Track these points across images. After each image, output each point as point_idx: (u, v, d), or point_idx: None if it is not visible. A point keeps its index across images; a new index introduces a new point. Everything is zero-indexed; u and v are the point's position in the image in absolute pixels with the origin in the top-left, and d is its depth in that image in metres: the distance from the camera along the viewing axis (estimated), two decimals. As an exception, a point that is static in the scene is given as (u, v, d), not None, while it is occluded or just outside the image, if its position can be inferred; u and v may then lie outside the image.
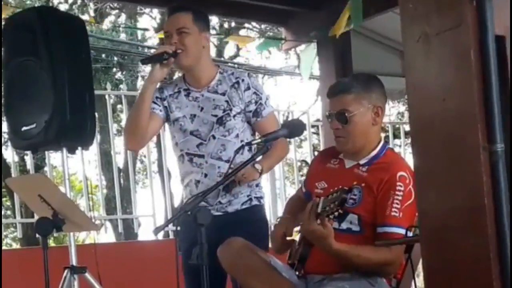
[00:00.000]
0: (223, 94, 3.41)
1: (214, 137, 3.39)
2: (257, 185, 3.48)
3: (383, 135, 8.05)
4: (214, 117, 3.40)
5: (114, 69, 13.33)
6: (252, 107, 3.42)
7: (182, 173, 3.50)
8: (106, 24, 12.40)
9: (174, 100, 3.47)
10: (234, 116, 3.40)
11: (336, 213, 2.72)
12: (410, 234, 2.88)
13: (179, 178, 3.55)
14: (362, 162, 3.05)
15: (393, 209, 2.90)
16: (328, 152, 3.19)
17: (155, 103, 3.44)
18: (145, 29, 8.82)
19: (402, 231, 2.88)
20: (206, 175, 3.38)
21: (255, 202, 3.46)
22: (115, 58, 12.90)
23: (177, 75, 3.58)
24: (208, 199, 3.36)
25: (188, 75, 3.48)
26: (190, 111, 3.43)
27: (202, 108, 3.42)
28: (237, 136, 3.38)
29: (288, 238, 3.11)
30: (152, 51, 13.16)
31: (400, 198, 2.91)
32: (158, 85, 3.47)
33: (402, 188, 2.92)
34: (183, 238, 3.20)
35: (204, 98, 3.42)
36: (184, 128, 3.43)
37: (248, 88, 3.41)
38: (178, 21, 3.38)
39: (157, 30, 12.78)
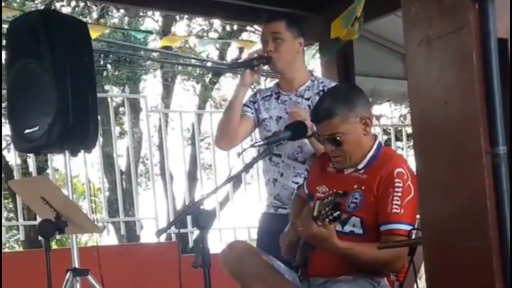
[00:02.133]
0: (308, 99, 3.56)
1: None
2: None
3: (385, 137, 8.07)
4: None
5: (111, 72, 13.34)
6: None
7: (264, 171, 3.68)
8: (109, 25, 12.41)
9: (265, 103, 3.64)
10: None
11: (331, 217, 2.72)
12: (414, 232, 2.89)
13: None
14: (360, 166, 3.06)
15: (394, 206, 2.90)
16: (326, 155, 3.19)
17: (248, 106, 3.65)
18: (149, 32, 8.80)
19: (404, 227, 2.88)
20: (282, 174, 3.54)
21: None
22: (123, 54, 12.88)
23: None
24: (283, 198, 3.57)
25: (282, 78, 3.66)
26: (277, 113, 3.60)
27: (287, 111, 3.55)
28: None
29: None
30: (154, 54, 13.26)
31: (399, 194, 2.91)
32: (256, 89, 3.68)
33: (400, 184, 2.92)
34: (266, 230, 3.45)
35: (292, 102, 3.59)
36: (269, 128, 3.58)
37: None
38: (272, 28, 3.58)
39: (159, 33, 12.82)
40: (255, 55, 3.57)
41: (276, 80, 3.78)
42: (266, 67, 3.77)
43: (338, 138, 3.00)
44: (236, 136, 3.64)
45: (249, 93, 3.78)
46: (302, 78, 3.61)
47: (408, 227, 2.89)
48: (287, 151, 3.50)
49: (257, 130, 3.73)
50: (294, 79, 3.61)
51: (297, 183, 3.52)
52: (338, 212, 2.71)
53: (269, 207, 3.65)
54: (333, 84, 3.62)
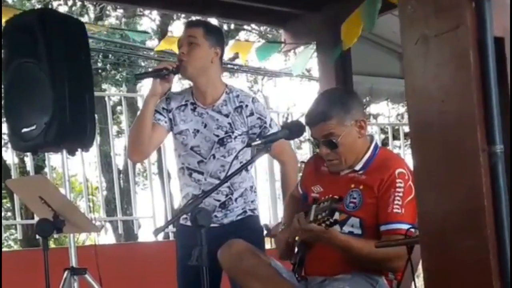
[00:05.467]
0: (227, 116, 3.47)
1: (214, 157, 3.45)
2: (252, 201, 3.56)
3: (382, 136, 8.08)
4: (216, 137, 3.46)
5: (114, 71, 13.35)
6: (256, 130, 3.48)
7: (181, 184, 3.57)
8: (105, 25, 12.40)
9: (180, 113, 3.52)
10: (235, 137, 3.46)
11: (327, 222, 2.73)
12: (413, 230, 2.89)
13: (179, 187, 3.60)
14: (357, 168, 3.06)
15: (395, 206, 2.91)
16: (319, 155, 3.19)
17: (160, 113, 3.51)
18: (145, 32, 8.80)
19: (405, 226, 2.87)
20: (204, 191, 3.35)
21: (249, 213, 3.54)
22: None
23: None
24: None
25: (195, 89, 3.54)
26: (194, 126, 3.49)
27: (205, 125, 3.48)
28: (236, 157, 3.37)
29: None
30: (151, 53, 13.26)
31: (401, 194, 2.91)
32: (165, 95, 3.53)
33: (402, 185, 2.93)
34: (182, 244, 3.21)
35: (209, 116, 3.48)
36: (186, 142, 3.49)
37: (252, 114, 3.48)
38: (189, 32, 3.47)
39: (156, 33, 12.82)
40: (163, 66, 3.44)
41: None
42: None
43: (333, 140, 3.00)
44: (149, 148, 3.53)
45: None
46: (216, 92, 3.50)
47: (408, 227, 2.89)
48: (209, 170, 3.44)
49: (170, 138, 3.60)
50: (207, 92, 3.49)
51: (218, 200, 3.46)
52: (334, 218, 2.72)
53: (186, 219, 3.27)
54: (249, 99, 3.51)
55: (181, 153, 3.52)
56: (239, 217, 3.50)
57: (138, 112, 3.58)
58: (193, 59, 3.43)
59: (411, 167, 2.75)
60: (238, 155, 3.36)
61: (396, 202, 2.91)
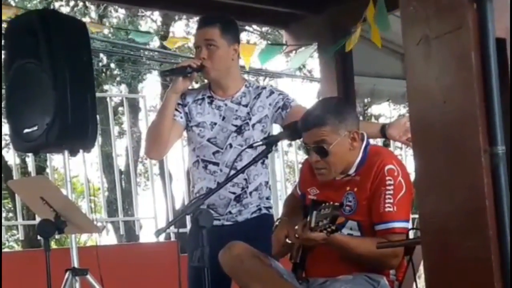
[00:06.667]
0: (246, 105, 3.46)
1: (231, 146, 3.41)
2: (267, 198, 3.51)
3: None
4: (234, 127, 3.43)
5: (116, 71, 13.37)
6: (280, 103, 3.45)
7: (195, 179, 3.49)
8: (107, 26, 12.42)
9: (197, 106, 3.49)
10: (253, 125, 3.43)
11: (329, 229, 2.74)
12: (408, 225, 2.93)
13: (191, 185, 3.55)
14: (350, 172, 3.05)
15: (387, 205, 2.91)
16: None
17: (176, 109, 3.46)
18: (148, 33, 8.82)
19: (398, 224, 2.90)
20: (218, 184, 3.30)
21: (264, 211, 3.48)
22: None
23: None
24: (218, 208, 3.40)
25: (214, 83, 3.51)
26: (211, 119, 3.46)
27: (223, 118, 3.45)
28: (255, 148, 3.26)
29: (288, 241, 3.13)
30: (156, 54, 13.27)
31: (391, 192, 2.92)
32: None
33: (392, 182, 2.93)
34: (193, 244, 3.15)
35: (227, 108, 3.46)
36: (202, 134, 3.45)
37: (272, 92, 3.48)
38: (206, 34, 3.42)
39: (157, 33, 12.82)
40: (188, 63, 3.41)
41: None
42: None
43: (325, 147, 2.98)
44: (168, 144, 3.49)
45: None
46: (236, 85, 3.49)
47: (403, 224, 2.91)
48: (225, 160, 3.38)
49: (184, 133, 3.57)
50: (228, 86, 3.48)
51: (234, 193, 3.40)
52: (336, 225, 2.73)
53: None
54: (269, 87, 3.57)
55: (196, 146, 3.47)
56: (253, 215, 3.43)
57: (159, 108, 3.55)
58: (215, 62, 3.40)
59: (410, 167, 2.76)
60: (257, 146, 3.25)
61: (387, 200, 2.92)
